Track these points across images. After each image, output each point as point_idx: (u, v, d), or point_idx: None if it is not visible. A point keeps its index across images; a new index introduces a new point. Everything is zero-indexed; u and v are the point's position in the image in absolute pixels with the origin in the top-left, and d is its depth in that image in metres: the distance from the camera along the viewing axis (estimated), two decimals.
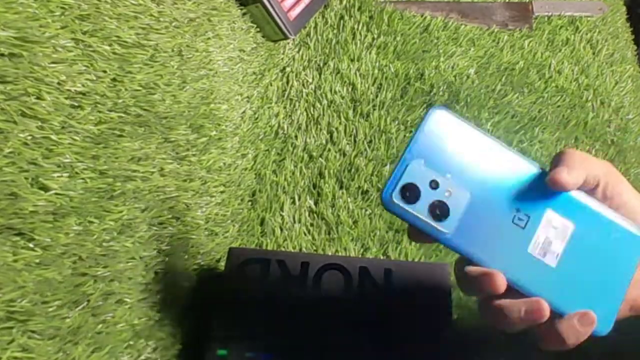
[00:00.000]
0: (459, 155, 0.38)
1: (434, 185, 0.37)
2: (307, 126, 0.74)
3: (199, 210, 0.58)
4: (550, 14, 0.97)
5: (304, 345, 0.48)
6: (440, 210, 0.37)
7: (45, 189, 0.44)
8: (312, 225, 0.67)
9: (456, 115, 0.38)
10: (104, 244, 0.49)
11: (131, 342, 0.49)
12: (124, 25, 0.54)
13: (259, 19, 0.74)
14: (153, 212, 0.53)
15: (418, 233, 0.38)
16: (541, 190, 0.38)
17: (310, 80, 0.76)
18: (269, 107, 0.73)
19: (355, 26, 0.82)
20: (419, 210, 0.37)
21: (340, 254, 0.65)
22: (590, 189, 0.39)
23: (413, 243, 0.67)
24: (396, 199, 0.37)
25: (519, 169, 0.38)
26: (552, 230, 0.38)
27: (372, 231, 0.67)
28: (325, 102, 0.75)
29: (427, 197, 0.37)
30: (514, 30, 0.92)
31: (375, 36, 0.82)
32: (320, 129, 0.74)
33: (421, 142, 0.37)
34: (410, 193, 0.37)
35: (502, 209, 0.38)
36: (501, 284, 0.36)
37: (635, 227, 0.38)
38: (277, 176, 0.70)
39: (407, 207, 0.37)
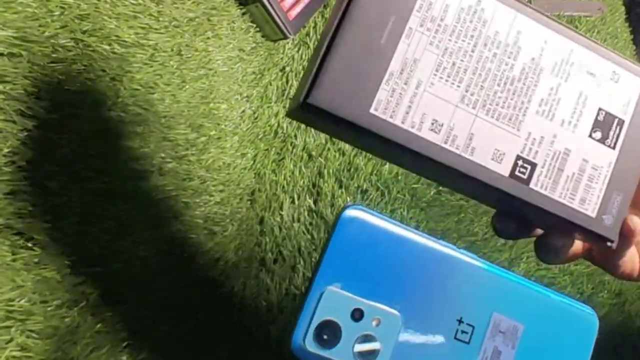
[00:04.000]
0: (382, 267, 0.30)
1: (358, 315, 0.29)
2: (306, 126, 0.74)
3: (198, 210, 0.58)
4: (549, 13, 0.97)
5: None
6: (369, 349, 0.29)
7: (44, 188, 0.45)
8: (311, 224, 0.67)
9: (373, 214, 0.30)
10: (103, 243, 0.49)
11: (130, 342, 0.49)
12: (124, 24, 0.54)
13: (259, 18, 0.73)
14: (152, 211, 0.53)
15: None
16: (484, 289, 0.32)
17: None
18: (268, 107, 0.73)
19: None
20: (343, 355, 0.29)
21: None
22: None
23: None
24: (311, 345, 0.28)
25: (455, 268, 0.31)
26: (499, 337, 0.32)
27: None
28: None
29: (351, 333, 0.29)
30: None
31: None
32: None
33: (335, 260, 0.29)
34: (329, 333, 0.29)
35: (442, 323, 0.31)
36: None
37: (587, 307, 0.34)
38: (276, 175, 0.70)
39: (326, 354, 0.29)
